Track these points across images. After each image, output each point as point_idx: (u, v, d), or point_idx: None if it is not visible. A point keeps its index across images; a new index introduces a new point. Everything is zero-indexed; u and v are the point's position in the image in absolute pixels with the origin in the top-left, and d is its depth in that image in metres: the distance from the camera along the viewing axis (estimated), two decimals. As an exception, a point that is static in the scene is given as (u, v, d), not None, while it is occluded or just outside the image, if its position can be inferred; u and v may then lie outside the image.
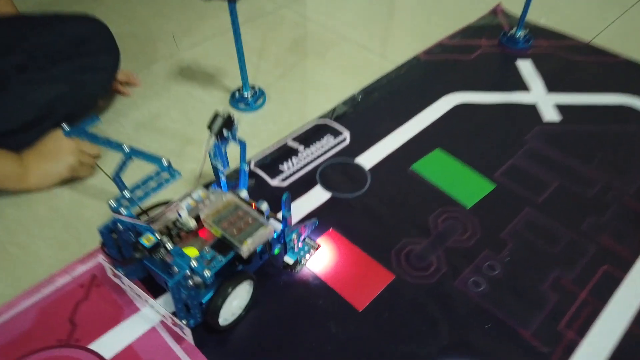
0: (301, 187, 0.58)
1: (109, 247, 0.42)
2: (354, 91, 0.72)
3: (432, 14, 0.91)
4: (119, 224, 0.40)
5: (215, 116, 0.45)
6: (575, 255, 0.52)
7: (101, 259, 0.45)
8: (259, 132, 0.66)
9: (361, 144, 0.64)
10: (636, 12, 0.91)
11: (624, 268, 0.50)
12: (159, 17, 0.89)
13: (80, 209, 0.56)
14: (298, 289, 0.48)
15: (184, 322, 0.39)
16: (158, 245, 0.37)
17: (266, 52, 0.81)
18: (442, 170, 0.61)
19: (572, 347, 0.44)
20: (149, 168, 0.43)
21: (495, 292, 0.48)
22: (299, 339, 0.44)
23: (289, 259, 0.47)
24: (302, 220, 0.54)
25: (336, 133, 0.66)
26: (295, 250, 0.50)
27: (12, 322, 0.45)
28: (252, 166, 0.61)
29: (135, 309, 0.46)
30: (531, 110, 0.70)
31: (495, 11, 0.91)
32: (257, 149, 0.64)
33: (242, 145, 0.49)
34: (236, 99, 0.70)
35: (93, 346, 0.43)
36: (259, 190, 0.58)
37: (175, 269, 0.36)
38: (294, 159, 0.62)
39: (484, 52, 0.81)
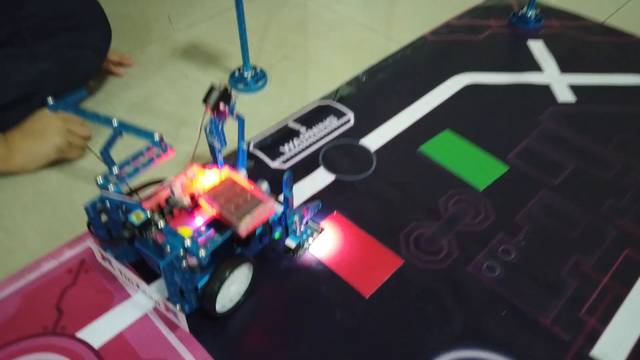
0: (303, 169, 0.55)
1: (96, 227, 0.39)
2: (357, 72, 0.69)
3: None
4: (107, 201, 0.37)
5: (211, 89, 0.42)
6: (595, 239, 0.49)
7: (90, 242, 0.42)
8: (259, 113, 0.63)
9: (366, 125, 0.61)
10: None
11: (648, 252, 0.47)
12: (154, -2, 0.86)
13: (69, 193, 0.53)
14: (300, 274, 0.45)
15: (178, 307, 0.36)
16: (149, 223, 0.34)
17: (267, 34, 0.78)
18: (452, 152, 0.58)
19: (594, 335, 0.41)
20: (142, 147, 0.40)
21: (511, 277, 0.45)
22: (302, 327, 0.41)
23: (290, 243, 0.44)
24: (305, 204, 0.51)
25: (340, 114, 0.63)
26: (297, 233, 0.47)
27: (-6, 310, 0.42)
28: (251, 147, 0.58)
29: (127, 296, 0.43)
30: (545, 91, 0.67)
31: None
32: (256, 130, 0.61)
33: (241, 122, 0.46)
34: (235, 79, 0.67)
35: (81, 334, 0.40)
36: (258, 172, 0.55)
37: (168, 248, 0.33)
38: (296, 141, 0.59)
39: (493, 33, 0.77)
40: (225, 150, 0.48)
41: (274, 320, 0.42)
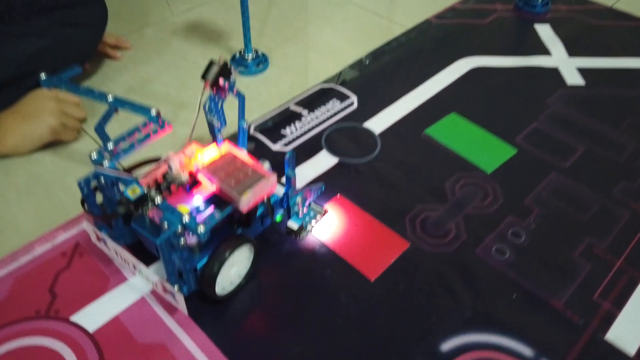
0: (305, 152, 0.53)
1: (90, 205, 0.38)
2: (360, 56, 0.68)
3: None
4: (101, 177, 0.35)
5: (211, 63, 0.40)
6: (608, 222, 0.47)
7: (85, 224, 0.40)
8: (259, 96, 0.62)
9: (370, 108, 0.59)
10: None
11: (662, 235, 0.46)
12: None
13: (64, 175, 0.51)
14: (303, 257, 0.43)
15: (176, 287, 0.35)
16: (145, 198, 0.32)
17: (268, 17, 0.76)
18: (459, 135, 0.56)
19: (609, 318, 0.40)
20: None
21: (522, 260, 0.43)
22: (305, 311, 0.39)
23: (293, 224, 0.42)
24: (307, 186, 0.50)
25: (343, 97, 0.61)
26: (300, 215, 0.45)
27: (-15, 293, 0.40)
28: (251, 130, 0.56)
29: (123, 279, 0.41)
30: (553, 74, 0.65)
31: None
32: (257, 113, 0.59)
33: (241, 99, 0.44)
34: (236, 61, 0.65)
35: (75, 318, 0.38)
36: (259, 154, 0.53)
37: (165, 225, 0.32)
38: (297, 124, 0.57)
39: (499, 17, 0.76)
40: (225, 132, 0.46)
41: (276, 304, 0.40)
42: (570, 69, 0.66)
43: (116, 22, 0.72)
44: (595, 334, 0.39)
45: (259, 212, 0.41)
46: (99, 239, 0.39)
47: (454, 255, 0.44)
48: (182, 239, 0.33)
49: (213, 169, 0.35)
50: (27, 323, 0.38)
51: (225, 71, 0.41)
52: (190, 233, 0.34)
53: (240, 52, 0.66)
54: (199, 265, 0.36)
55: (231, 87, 0.42)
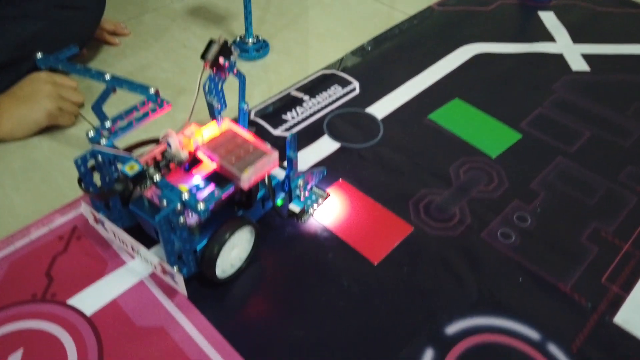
0: (307, 137, 0.52)
1: (87, 184, 0.37)
2: (361, 42, 0.67)
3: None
4: (98, 156, 0.35)
5: (210, 42, 0.39)
6: (615, 206, 0.46)
7: (82, 207, 0.40)
8: (259, 82, 0.61)
9: (372, 94, 0.58)
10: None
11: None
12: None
13: (61, 160, 0.50)
14: (305, 241, 0.43)
15: (175, 268, 0.34)
16: (143, 175, 0.31)
17: (269, 4, 0.75)
18: (463, 120, 0.55)
19: (617, 301, 0.39)
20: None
21: (528, 244, 0.43)
22: (307, 295, 0.39)
23: (294, 207, 0.42)
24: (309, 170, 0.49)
25: (345, 83, 0.60)
26: (302, 199, 0.44)
27: (-20, 277, 0.39)
28: (252, 115, 0.55)
29: (121, 262, 0.40)
30: (558, 60, 0.64)
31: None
32: (257, 99, 0.58)
33: (242, 79, 0.43)
34: (236, 45, 0.64)
35: (72, 301, 0.37)
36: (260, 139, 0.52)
37: (164, 202, 0.31)
38: (299, 109, 0.56)
39: (502, 4, 0.75)
40: (225, 115, 0.45)
41: (277, 287, 0.39)
42: (575, 55, 0.65)
43: (115, 9, 0.71)
44: (603, 317, 0.38)
45: (260, 195, 0.40)
46: (96, 220, 0.39)
47: (458, 239, 0.43)
48: (181, 218, 0.32)
49: (213, 146, 0.35)
50: (23, 306, 0.37)
51: (225, 50, 0.40)
52: (190, 213, 0.33)
53: (240, 37, 0.65)
54: (199, 247, 0.36)
55: (231, 67, 0.41)
